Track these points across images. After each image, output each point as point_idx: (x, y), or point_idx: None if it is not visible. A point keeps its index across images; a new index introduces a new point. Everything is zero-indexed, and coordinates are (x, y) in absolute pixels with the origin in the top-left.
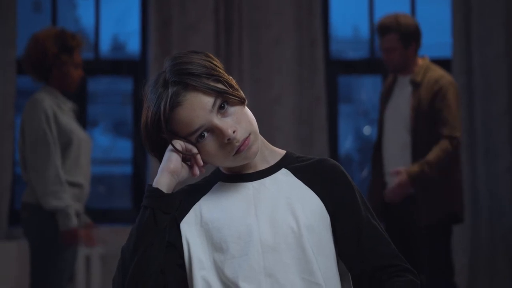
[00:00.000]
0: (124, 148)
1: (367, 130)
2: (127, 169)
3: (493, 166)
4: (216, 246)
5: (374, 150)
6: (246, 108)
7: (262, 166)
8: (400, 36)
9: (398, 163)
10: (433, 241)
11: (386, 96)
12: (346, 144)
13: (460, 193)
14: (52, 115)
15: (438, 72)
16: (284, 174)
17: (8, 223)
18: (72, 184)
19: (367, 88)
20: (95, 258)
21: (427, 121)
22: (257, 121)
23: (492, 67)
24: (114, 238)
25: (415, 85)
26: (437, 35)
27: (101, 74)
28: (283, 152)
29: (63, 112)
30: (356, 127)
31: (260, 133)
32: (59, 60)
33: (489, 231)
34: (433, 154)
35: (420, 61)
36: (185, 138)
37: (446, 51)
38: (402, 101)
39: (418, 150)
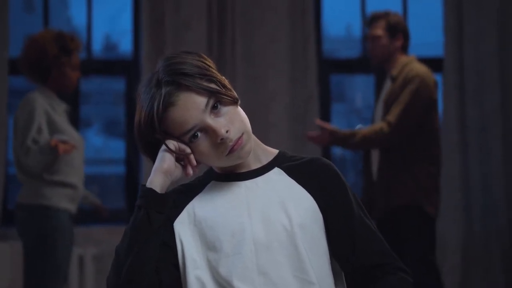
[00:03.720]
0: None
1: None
2: (120, 169)
3: (485, 163)
4: (210, 245)
5: (365, 150)
6: (239, 108)
7: (255, 166)
8: (387, 24)
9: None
10: (409, 238)
11: (376, 95)
12: None
13: (434, 189)
14: (45, 114)
15: (414, 67)
16: (276, 173)
17: (1, 224)
18: (66, 185)
19: (359, 87)
20: (88, 258)
21: None
22: (250, 119)
23: (484, 64)
24: (107, 238)
25: (392, 79)
26: (429, 33)
27: (93, 74)
28: (275, 151)
29: (56, 113)
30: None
31: (254, 130)
32: (58, 61)
33: (482, 229)
34: (367, 131)
35: (403, 58)
36: (178, 138)
37: (438, 50)
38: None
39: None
